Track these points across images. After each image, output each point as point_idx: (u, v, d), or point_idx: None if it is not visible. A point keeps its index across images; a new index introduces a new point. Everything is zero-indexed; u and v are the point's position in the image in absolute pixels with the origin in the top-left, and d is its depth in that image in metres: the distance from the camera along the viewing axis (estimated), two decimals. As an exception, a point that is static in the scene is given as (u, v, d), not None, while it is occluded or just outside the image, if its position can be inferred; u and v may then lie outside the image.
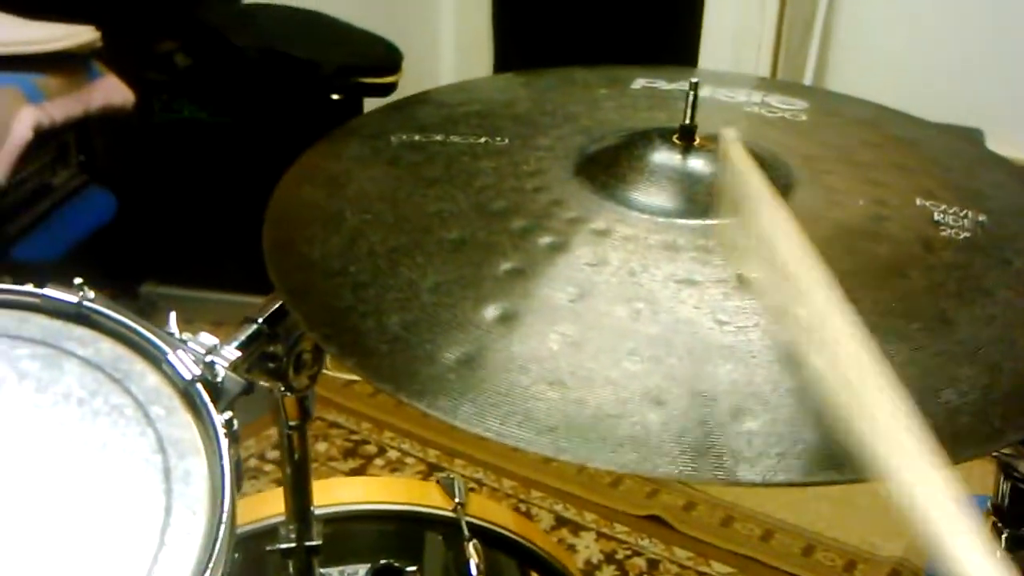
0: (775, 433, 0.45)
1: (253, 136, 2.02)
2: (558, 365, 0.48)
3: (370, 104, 2.02)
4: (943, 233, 0.60)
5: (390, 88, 1.97)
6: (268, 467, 1.75)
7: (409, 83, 1.98)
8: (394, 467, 1.83)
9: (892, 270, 0.57)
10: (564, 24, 2.55)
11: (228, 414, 0.50)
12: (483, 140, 0.67)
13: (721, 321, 0.51)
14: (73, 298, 0.53)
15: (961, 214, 0.62)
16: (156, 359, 0.51)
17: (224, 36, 1.95)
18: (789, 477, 0.44)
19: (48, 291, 0.53)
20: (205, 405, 0.49)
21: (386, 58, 2.00)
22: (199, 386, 0.50)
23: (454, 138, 0.67)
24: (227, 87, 2.02)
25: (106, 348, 0.51)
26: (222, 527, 0.44)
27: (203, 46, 2.02)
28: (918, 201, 0.64)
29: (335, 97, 1.96)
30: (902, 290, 0.55)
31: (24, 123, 1.56)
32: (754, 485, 0.44)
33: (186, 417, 0.49)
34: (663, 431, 0.45)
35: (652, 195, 0.60)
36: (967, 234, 0.60)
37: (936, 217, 0.62)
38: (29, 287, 0.54)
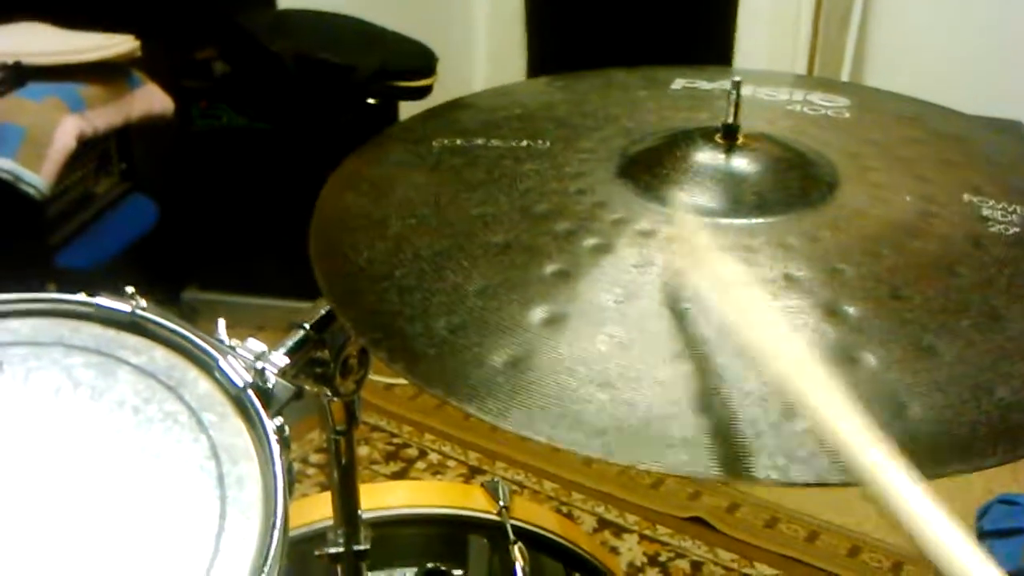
0: (827, 433, 0.45)
1: (291, 141, 2.04)
2: (606, 367, 0.48)
3: (405, 107, 2.03)
4: (991, 229, 0.60)
5: (425, 91, 1.98)
6: (311, 471, 1.76)
7: (443, 86, 1.99)
8: (435, 470, 1.84)
9: (941, 267, 0.56)
10: (597, 25, 2.55)
11: (279, 420, 0.51)
12: (524, 143, 0.67)
13: (769, 321, 0.51)
14: (126, 307, 0.54)
15: (1009, 209, 0.62)
16: (208, 366, 0.52)
17: (260, 42, 1.97)
18: (843, 477, 0.44)
19: (101, 300, 0.54)
20: (257, 411, 0.50)
21: (421, 61, 2.01)
22: (251, 392, 0.51)
23: (495, 142, 0.67)
24: (265, 93, 2.04)
25: (159, 356, 0.52)
26: (275, 532, 0.45)
27: (240, 53, 2.04)
28: (965, 197, 0.63)
29: (371, 101, 1.97)
30: (952, 287, 0.54)
31: (67, 132, 1.58)
32: (807, 485, 0.44)
33: (238, 423, 0.50)
34: (714, 432, 0.45)
35: (696, 195, 0.59)
36: (1016, 229, 0.60)
37: (984, 212, 0.61)
38: (82, 296, 0.54)
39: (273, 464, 0.48)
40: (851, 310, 0.51)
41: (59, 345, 0.52)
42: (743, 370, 0.48)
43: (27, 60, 1.61)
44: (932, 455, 0.45)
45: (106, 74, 1.72)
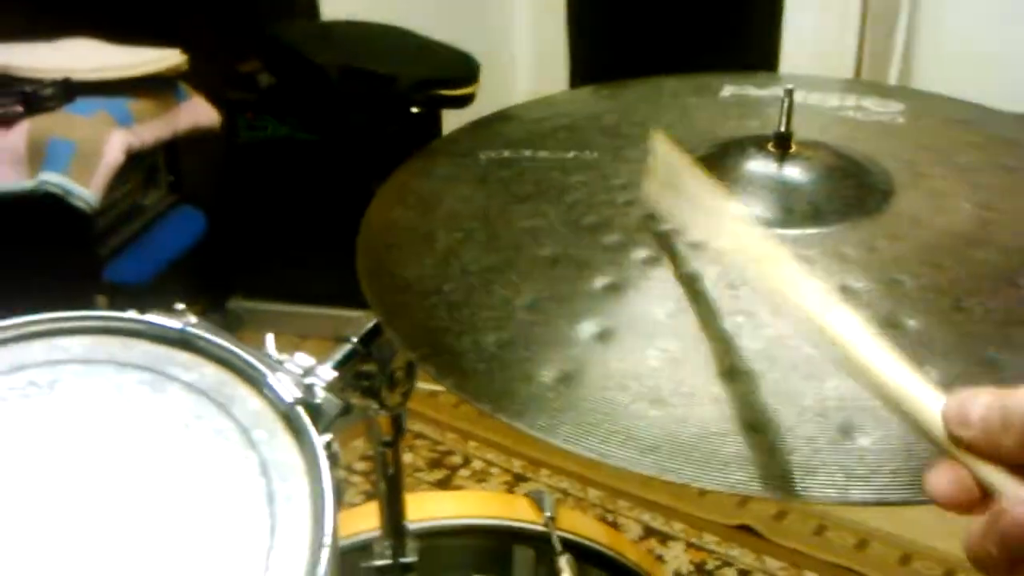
0: (888, 449, 0.44)
1: (336, 151, 2.05)
2: (658, 382, 0.48)
3: (449, 116, 2.04)
4: (1053, 236, 0.58)
5: (468, 99, 1.98)
6: (356, 479, 1.77)
7: (486, 94, 1.99)
8: (479, 477, 1.84)
9: (1003, 277, 0.54)
10: (640, 30, 2.53)
11: (328, 436, 0.50)
12: (572, 154, 0.66)
13: (826, 334, 0.49)
14: (176, 323, 0.54)
15: (1072, 215, 0.60)
16: (257, 383, 0.52)
17: (304, 54, 1.98)
18: (904, 496, 0.42)
19: (152, 317, 0.54)
20: (306, 428, 0.50)
21: (463, 70, 2.01)
22: (299, 409, 0.51)
23: (543, 153, 0.67)
24: (309, 104, 2.05)
25: (209, 373, 0.52)
26: (325, 549, 0.45)
27: (285, 65, 2.05)
28: (1025, 203, 0.61)
29: (414, 110, 1.97)
30: (1014, 298, 0.53)
31: (115, 147, 1.60)
32: (867, 504, 0.43)
33: (288, 440, 0.50)
34: (770, 449, 0.44)
35: (747, 205, 0.58)
36: (1079, 236, 0.58)
37: (1044, 219, 0.59)
38: (133, 313, 0.55)
39: (322, 481, 0.47)
40: (912, 322, 0.50)
41: (111, 363, 0.52)
42: (799, 385, 0.47)
43: (76, 76, 1.64)
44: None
45: (153, 88, 1.74)
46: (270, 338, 0.57)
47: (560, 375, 0.48)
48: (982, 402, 0.32)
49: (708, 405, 0.46)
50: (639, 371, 0.48)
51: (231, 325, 2.14)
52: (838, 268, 0.54)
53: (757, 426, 0.45)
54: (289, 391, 0.51)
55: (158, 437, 0.49)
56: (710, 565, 1.63)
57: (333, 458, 0.50)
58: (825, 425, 0.45)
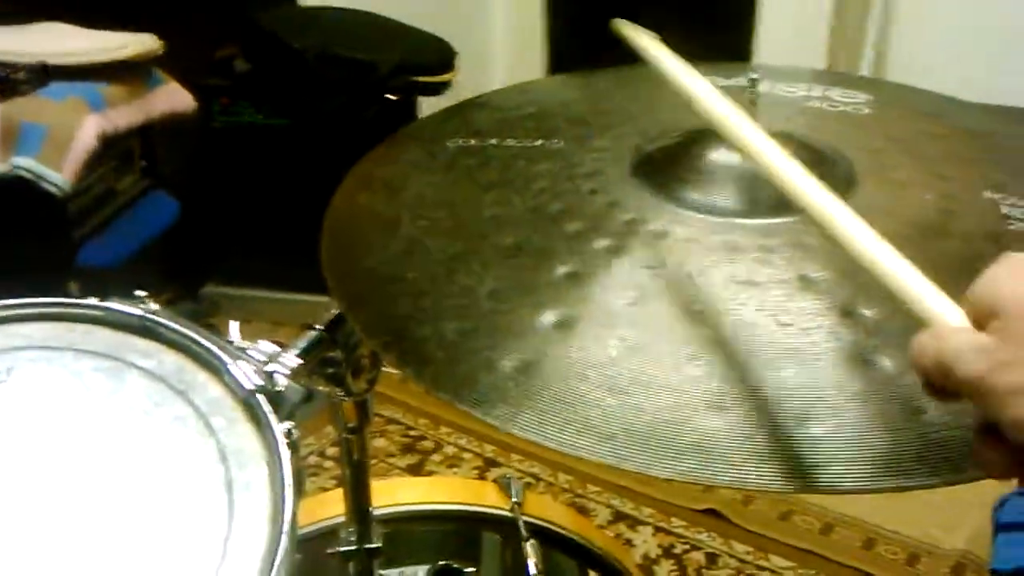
0: (842, 438, 0.44)
1: (311, 137, 2.04)
2: (617, 371, 0.48)
3: (425, 104, 2.03)
4: (1011, 227, 0.58)
5: (444, 86, 1.97)
6: (328, 463, 1.76)
7: (463, 82, 1.98)
8: (451, 462, 1.84)
9: (962, 267, 0.55)
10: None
11: (288, 424, 0.50)
12: (539, 143, 0.66)
13: (784, 323, 0.50)
14: (136, 311, 0.54)
15: (1031, 206, 0.60)
16: (217, 370, 0.52)
17: (281, 40, 1.97)
18: (857, 484, 0.43)
19: (111, 304, 0.54)
20: (266, 415, 0.50)
21: (440, 57, 2.00)
22: (260, 396, 0.51)
23: (510, 141, 0.67)
24: (285, 90, 2.04)
25: (169, 360, 0.52)
26: (283, 537, 0.45)
27: (261, 50, 2.04)
28: (986, 194, 0.62)
29: (391, 97, 1.97)
30: (972, 288, 0.53)
31: (88, 131, 1.59)
32: (819, 492, 0.43)
33: (247, 427, 0.50)
34: (725, 438, 0.45)
35: (711, 195, 0.59)
36: (1036, 227, 0.58)
37: (1004, 210, 0.60)
38: (93, 300, 0.54)
39: (282, 469, 0.47)
40: (868, 312, 0.50)
41: (70, 350, 0.52)
42: (756, 374, 0.47)
43: (50, 60, 1.63)
44: (949, 460, 0.44)
45: (127, 73, 1.73)
46: (234, 325, 0.57)
47: (520, 364, 0.49)
48: (927, 355, 0.41)
49: (665, 394, 0.47)
50: (598, 360, 0.48)
51: (207, 311, 2.13)
52: (800, 257, 0.54)
53: (714, 415, 0.46)
54: (250, 379, 0.51)
55: (117, 424, 0.49)
56: (678, 549, 1.64)
57: (293, 446, 0.50)
58: (780, 414, 0.45)
